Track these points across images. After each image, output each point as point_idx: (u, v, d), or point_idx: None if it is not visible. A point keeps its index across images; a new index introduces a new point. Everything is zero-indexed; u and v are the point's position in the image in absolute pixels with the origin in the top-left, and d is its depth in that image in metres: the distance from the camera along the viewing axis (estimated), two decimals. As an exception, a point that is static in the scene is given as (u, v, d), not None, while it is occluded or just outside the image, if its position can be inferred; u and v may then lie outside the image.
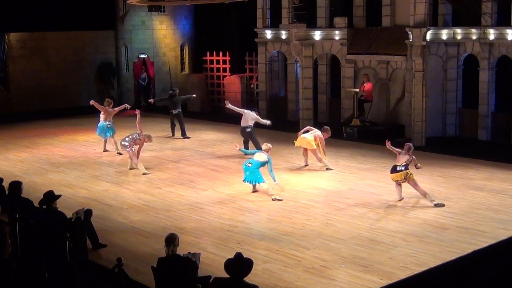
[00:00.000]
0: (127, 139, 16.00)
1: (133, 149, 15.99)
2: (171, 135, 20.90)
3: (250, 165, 13.59)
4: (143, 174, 15.68)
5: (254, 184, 13.70)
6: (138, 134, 15.99)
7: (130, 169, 16.20)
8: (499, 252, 10.53)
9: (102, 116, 18.15)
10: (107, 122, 18.08)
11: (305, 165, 16.18)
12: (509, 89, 18.31)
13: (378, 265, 9.76)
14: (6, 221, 10.71)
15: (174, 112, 20.69)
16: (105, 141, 18.52)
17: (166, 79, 28.15)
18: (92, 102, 18.45)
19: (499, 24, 18.43)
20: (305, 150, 16.06)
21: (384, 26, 20.64)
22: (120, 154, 17.76)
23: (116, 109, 18.37)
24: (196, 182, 15.03)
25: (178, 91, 21.39)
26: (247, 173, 13.57)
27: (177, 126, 20.77)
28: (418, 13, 18.66)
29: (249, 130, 17.30)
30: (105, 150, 18.46)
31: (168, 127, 21.08)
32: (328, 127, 16.34)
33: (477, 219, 11.93)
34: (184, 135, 20.57)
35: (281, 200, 13.23)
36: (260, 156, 13.77)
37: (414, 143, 18.77)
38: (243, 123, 17.39)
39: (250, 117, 17.37)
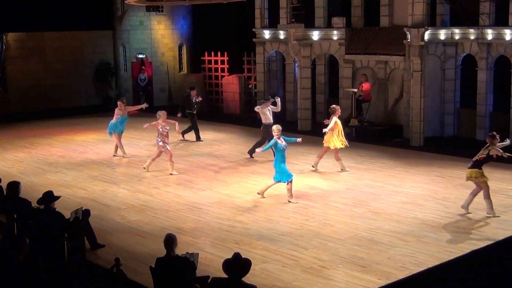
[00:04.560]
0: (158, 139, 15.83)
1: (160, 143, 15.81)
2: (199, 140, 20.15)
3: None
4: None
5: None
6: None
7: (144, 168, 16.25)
8: (498, 252, 10.53)
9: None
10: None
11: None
12: (507, 89, 18.31)
13: (376, 265, 9.77)
14: (4, 221, 10.71)
15: (194, 112, 20.13)
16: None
17: (164, 79, 28.13)
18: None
19: (497, 24, 18.44)
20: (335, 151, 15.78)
21: (382, 26, 20.64)
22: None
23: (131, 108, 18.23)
24: (194, 182, 15.03)
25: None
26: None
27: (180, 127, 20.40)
28: (416, 13, 18.67)
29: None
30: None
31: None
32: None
33: (476, 219, 11.93)
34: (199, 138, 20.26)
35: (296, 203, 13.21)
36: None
37: (412, 143, 18.86)
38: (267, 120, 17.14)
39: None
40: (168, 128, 15.84)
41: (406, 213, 12.34)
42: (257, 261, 9.74)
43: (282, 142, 13.28)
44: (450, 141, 19.11)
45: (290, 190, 13.26)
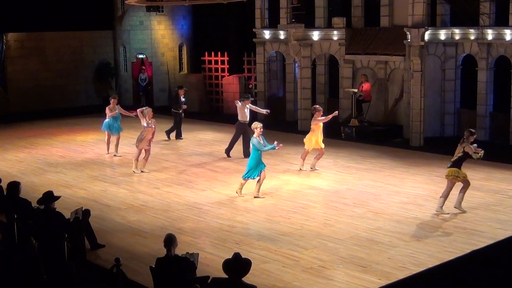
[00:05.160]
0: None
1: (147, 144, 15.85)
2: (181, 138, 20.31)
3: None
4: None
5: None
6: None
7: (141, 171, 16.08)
8: (498, 252, 10.53)
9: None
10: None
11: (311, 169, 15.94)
12: (507, 89, 18.32)
13: (376, 265, 9.76)
14: (4, 221, 10.71)
15: (180, 111, 20.17)
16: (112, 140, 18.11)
17: (164, 79, 28.14)
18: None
19: (497, 24, 18.44)
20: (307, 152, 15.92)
21: (382, 26, 20.64)
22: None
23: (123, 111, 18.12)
24: (194, 182, 15.02)
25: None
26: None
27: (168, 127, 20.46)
28: (416, 13, 18.67)
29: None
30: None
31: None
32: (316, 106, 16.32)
33: (475, 219, 11.93)
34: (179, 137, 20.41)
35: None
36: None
37: (412, 143, 18.86)
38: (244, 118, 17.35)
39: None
40: (153, 126, 15.86)
41: (406, 213, 12.34)
42: (257, 261, 9.74)
43: (261, 142, 13.42)
44: (450, 141, 18.97)
45: (243, 185, 13.55)
